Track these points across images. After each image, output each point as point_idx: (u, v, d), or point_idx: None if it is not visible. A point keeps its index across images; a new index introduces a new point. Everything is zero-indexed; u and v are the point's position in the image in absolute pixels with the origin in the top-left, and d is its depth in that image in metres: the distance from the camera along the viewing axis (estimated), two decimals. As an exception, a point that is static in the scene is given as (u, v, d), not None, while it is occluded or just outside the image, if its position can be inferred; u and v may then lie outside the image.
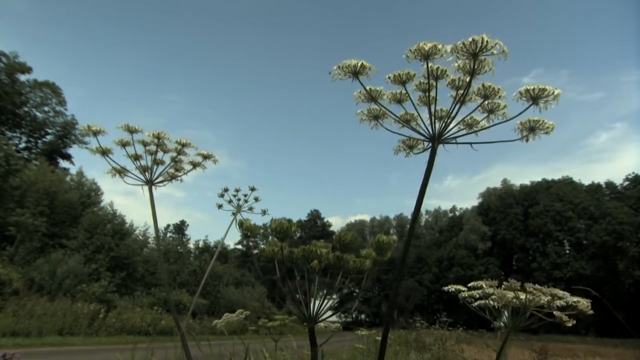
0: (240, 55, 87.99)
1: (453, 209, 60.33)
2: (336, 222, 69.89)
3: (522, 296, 0.88)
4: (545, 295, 0.86)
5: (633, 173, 46.51)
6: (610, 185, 49.70)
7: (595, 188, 49.36)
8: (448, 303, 47.11)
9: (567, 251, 44.96)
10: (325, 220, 60.90)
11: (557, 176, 51.41)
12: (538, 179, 52.18)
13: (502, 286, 1.00)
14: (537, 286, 0.91)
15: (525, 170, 72.99)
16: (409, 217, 61.87)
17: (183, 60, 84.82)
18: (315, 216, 59.44)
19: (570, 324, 0.87)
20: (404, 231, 61.41)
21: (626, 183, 47.88)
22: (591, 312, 0.87)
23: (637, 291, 38.57)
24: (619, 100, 67.15)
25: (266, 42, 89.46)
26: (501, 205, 50.44)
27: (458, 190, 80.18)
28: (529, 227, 47.17)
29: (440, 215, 61.30)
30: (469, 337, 12.48)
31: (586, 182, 50.48)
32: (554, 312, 0.87)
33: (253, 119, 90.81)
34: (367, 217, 65.61)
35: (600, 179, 58.78)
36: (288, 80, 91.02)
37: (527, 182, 52.82)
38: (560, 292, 0.87)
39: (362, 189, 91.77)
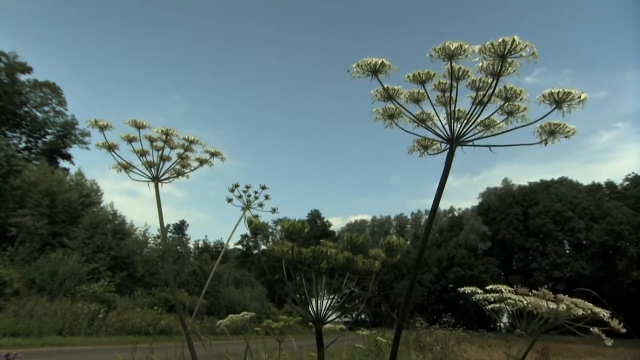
0: (242, 55, 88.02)
1: (452, 209, 60.38)
2: (336, 222, 69.98)
3: (553, 305, 0.87)
4: (579, 308, 0.84)
5: (633, 173, 46.54)
6: (610, 185, 49.70)
7: (595, 188, 49.38)
8: (448, 303, 47.14)
9: (567, 251, 44.95)
10: (325, 220, 60.89)
11: (559, 176, 51.50)
12: (540, 178, 52.23)
13: (533, 293, 0.98)
14: (571, 298, 0.90)
15: (526, 170, 73.09)
16: (409, 217, 62.07)
17: (184, 60, 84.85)
18: (315, 216, 59.36)
19: (610, 343, 0.85)
20: (404, 231, 61.45)
21: (626, 183, 47.87)
22: (623, 330, 0.84)
23: (637, 291, 38.57)
24: (622, 100, 67.12)
25: (267, 42, 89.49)
26: (501, 205, 50.45)
27: (458, 190, 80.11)
28: (528, 227, 47.17)
29: (440, 215, 61.25)
30: (469, 337, 12.47)
31: (589, 182, 50.59)
32: (591, 329, 0.85)
33: (254, 118, 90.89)
34: (367, 217, 65.69)
35: (603, 178, 58.83)
36: (289, 80, 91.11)
37: (528, 181, 52.95)
38: (595, 308, 0.85)
39: (363, 189, 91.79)
